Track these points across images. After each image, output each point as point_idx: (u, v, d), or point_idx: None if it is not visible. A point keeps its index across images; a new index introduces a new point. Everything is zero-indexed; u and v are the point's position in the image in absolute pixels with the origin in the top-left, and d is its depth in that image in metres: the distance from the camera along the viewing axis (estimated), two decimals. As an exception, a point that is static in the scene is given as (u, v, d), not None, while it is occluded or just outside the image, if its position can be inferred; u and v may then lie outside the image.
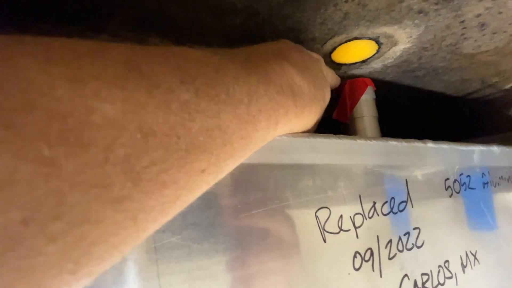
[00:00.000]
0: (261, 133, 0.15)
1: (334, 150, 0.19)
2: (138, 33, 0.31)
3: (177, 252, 0.13)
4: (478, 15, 0.31)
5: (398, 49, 0.37)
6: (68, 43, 0.10)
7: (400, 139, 0.22)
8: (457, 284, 0.22)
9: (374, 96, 0.32)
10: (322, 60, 0.27)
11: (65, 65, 0.09)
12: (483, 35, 0.35)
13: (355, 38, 0.34)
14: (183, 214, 0.13)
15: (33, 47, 0.09)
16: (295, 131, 0.19)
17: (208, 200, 0.14)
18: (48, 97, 0.09)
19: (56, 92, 0.09)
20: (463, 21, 0.32)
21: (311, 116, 0.19)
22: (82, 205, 0.09)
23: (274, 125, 0.16)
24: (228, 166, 0.14)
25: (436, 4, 0.29)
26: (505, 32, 0.35)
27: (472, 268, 0.23)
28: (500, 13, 0.31)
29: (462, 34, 0.34)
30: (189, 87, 0.12)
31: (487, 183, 0.26)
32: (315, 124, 0.22)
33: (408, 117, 0.65)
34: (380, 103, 0.38)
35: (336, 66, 0.40)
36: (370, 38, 0.34)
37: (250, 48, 0.18)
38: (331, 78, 0.29)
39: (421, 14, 0.30)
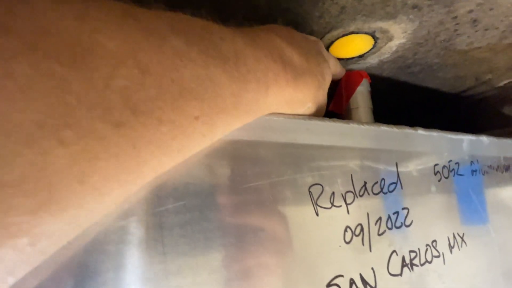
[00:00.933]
0: (252, 95, 0.16)
1: (328, 132, 0.20)
2: None
3: (180, 217, 0.14)
4: (470, 11, 0.32)
5: (394, 44, 0.38)
6: None
7: (392, 125, 0.23)
8: (444, 264, 0.23)
9: (369, 88, 0.33)
10: (320, 42, 0.28)
11: (72, 4, 0.11)
12: (476, 31, 0.36)
13: (352, 33, 0.35)
14: (185, 183, 0.14)
15: None
16: (293, 104, 0.20)
17: (208, 171, 0.15)
18: (58, 26, 0.10)
19: (64, 24, 0.10)
20: (455, 17, 0.33)
21: (307, 88, 0.20)
22: (87, 120, 0.10)
23: (265, 90, 0.17)
24: (222, 122, 0.15)
25: (429, -1, 0.30)
26: (497, 28, 0.36)
27: (459, 249, 0.24)
28: (492, 9, 0.32)
29: (455, 30, 0.36)
30: (179, 35, 0.13)
31: (475, 170, 0.27)
32: (318, 104, 0.22)
33: (404, 113, 0.66)
34: (377, 99, 0.40)
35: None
36: (366, 33, 0.35)
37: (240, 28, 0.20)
38: (334, 64, 0.30)
39: (415, 9, 0.31)
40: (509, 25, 0.35)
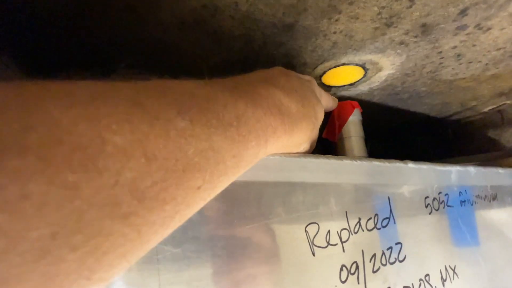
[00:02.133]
0: (252, 151, 0.16)
1: (323, 169, 0.20)
2: (146, 64, 0.33)
3: (178, 264, 0.14)
4: (454, 47, 0.34)
5: (383, 74, 0.40)
6: (84, 86, 0.12)
7: (383, 160, 0.24)
8: (437, 298, 0.23)
9: (360, 118, 0.35)
10: (313, 81, 0.29)
11: (83, 106, 0.11)
12: (460, 64, 0.38)
13: (343, 64, 0.36)
14: (184, 228, 0.15)
15: (56, 92, 0.11)
16: (289, 147, 0.21)
17: (207, 216, 0.16)
18: (71, 133, 0.10)
19: (77, 129, 0.11)
20: (440, 52, 0.35)
21: (303, 132, 0.21)
22: (97, 220, 0.11)
23: (264, 143, 0.17)
24: (222, 183, 0.15)
25: (416, 37, 0.32)
26: (479, 62, 0.38)
27: (451, 282, 0.25)
28: (474, 45, 0.34)
29: (441, 63, 0.38)
30: (184, 116, 0.14)
31: (464, 201, 0.28)
32: (311, 141, 0.23)
33: (394, 136, 0.68)
34: (368, 123, 0.41)
35: (326, 88, 0.43)
36: (357, 64, 0.37)
37: (241, 77, 0.20)
38: (326, 100, 0.31)
39: (402, 45, 0.33)
40: (491, 58, 0.38)
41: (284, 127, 0.19)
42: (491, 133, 0.57)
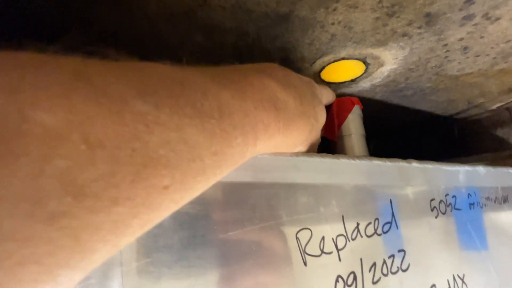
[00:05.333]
0: (238, 150, 0.14)
1: (317, 169, 0.19)
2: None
3: (146, 277, 0.12)
4: (461, 39, 0.32)
5: (385, 70, 0.38)
6: (12, 54, 0.10)
7: (384, 159, 0.22)
8: (445, 310, 0.21)
9: (361, 115, 0.33)
10: (313, 82, 0.27)
11: (2, 75, 0.09)
12: (467, 57, 0.36)
13: (343, 58, 0.34)
14: (154, 236, 0.13)
15: None
16: (282, 148, 0.19)
17: (181, 221, 0.14)
18: None
19: None
20: (446, 44, 0.33)
21: (299, 132, 0.19)
22: (8, 219, 0.08)
23: (253, 141, 0.15)
24: (200, 184, 0.13)
25: (419, 28, 0.30)
26: (487, 55, 0.36)
27: (460, 292, 0.23)
28: (482, 37, 0.32)
29: (446, 57, 0.36)
30: (147, 99, 0.11)
31: (473, 203, 0.26)
32: (309, 144, 0.21)
33: (397, 135, 0.65)
34: (370, 121, 0.39)
35: (325, 85, 0.41)
36: (357, 59, 0.35)
37: (230, 66, 0.18)
38: (326, 95, 0.29)
39: (405, 37, 0.31)
40: (500, 52, 0.35)
41: (278, 125, 0.17)
42: (499, 132, 0.54)
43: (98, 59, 0.12)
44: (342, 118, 0.32)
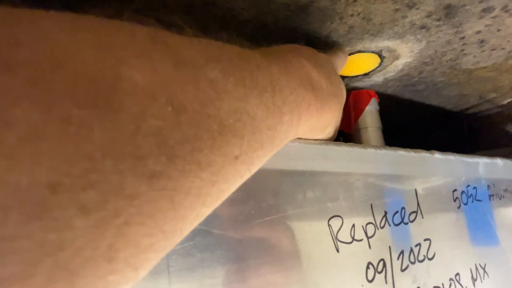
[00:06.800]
0: (285, 127, 0.14)
1: (345, 158, 0.19)
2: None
3: (189, 259, 0.12)
4: (478, 32, 0.32)
5: (400, 63, 0.38)
6: (93, 17, 0.10)
7: (409, 149, 0.22)
8: (468, 299, 0.21)
9: (378, 107, 0.33)
10: (331, 57, 0.27)
11: (91, 32, 0.09)
12: (482, 51, 0.36)
13: (359, 51, 0.34)
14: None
15: (59, 16, 0.09)
16: (315, 129, 0.18)
17: (220, 206, 0.14)
18: (75, 59, 0.08)
19: (83, 55, 0.08)
20: (463, 37, 0.33)
21: (331, 113, 0.19)
22: (116, 175, 0.08)
23: (297, 120, 0.15)
24: (259, 158, 0.13)
25: (438, 20, 0.29)
26: (503, 49, 0.36)
27: (482, 281, 0.23)
28: (499, 30, 0.32)
29: (462, 50, 0.35)
30: (215, 65, 0.11)
31: (492, 195, 0.26)
32: (336, 125, 0.21)
33: (407, 130, 0.65)
34: (380, 116, 0.39)
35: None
36: (373, 52, 0.35)
37: (268, 48, 0.18)
38: (341, 65, 0.29)
39: (423, 30, 0.31)
40: (515, 45, 0.35)
41: (316, 104, 0.16)
42: (510, 127, 0.54)
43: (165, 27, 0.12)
44: (359, 111, 0.32)
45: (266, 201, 0.15)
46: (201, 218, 0.11)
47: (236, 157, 0.11)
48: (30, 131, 0.07)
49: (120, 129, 0.08)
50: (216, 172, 0.11)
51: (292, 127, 0.15)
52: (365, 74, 0.40)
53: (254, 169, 0.13)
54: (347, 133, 0.33)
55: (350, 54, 0.35)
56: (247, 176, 0.13)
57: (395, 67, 0.39)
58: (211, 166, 0.10)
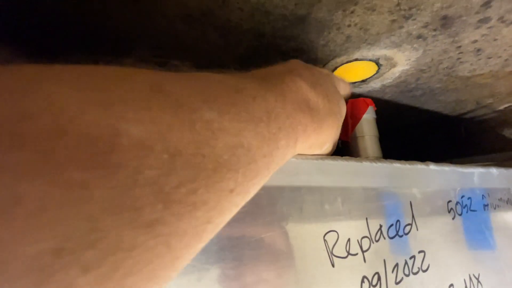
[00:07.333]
0: (281, 151, 0.15)
1: (341, 172, 0.19)
2: (158, 56, 0.31)
3: (187, 278, 0.13)
4: (474, 41, 0.32)
5: (397, 71, 0.38)
6: (95, 69, 0.10)
7: (403, 161, 0.23)
8: (462, 309, 0.22)
9: (375, 116, 0.33)
10: (332, 74, 0.27)
11: (93, 90, 0.09)
12: (479, 59, 0.36)
13: (356, 60, 0.35)
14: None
15: (62, 74, 0.09)
16: (314, 147, 0.19)
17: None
18: (78, 122, 0.08)
19: (86, 117, 0.09)
20: (459, 47, 0.33)
21: (329, 130, 0.19)
22: (114, 230, 0.08)
23: (293, 143, 0.15)
24: (255, 186, 0.13)
25: (435, 30, 0.30)
26: (500, 57, 0.36)
27: (476, 291, 0.23)
28: (495, 40, 0.32)
29: (458, 58, 0.36)
30: (212, 106, 0.12)
31: (487, 205, 0.27)
32: (334, 141, 0.21)
33: (405, 135, 0.66)
34: (378, 121, 0.39)
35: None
36: (370, 60, 0.35)
37: (266, 70, 0.18)
38: (344, 88, 0.29)
39: (420, 39, 0.31)
40: None
41: (313, 125, 0.17)
42: (506, 132, 0.55)
43: (165, 71, 0.12)
44: (356, 119, 0.32)
45: (263, 217, 0.15)
46: (197, 252, 0.12)
47: (231, 191, 0.12)
48: (37, 205, 0.07)
49: (118, 185, 0.09)
50: (211, 208, 0.11)
51: (288, 149, 0.15)
52: (363, 81, 0.41)
53: (249, 197, 0.13)
54: (344, 141, 0.34)
55: (347, 62, 0.35)
56: (241, 206, 0.13)
57: (392, 74, 0.39)
58: (207, 204, 0.11)
